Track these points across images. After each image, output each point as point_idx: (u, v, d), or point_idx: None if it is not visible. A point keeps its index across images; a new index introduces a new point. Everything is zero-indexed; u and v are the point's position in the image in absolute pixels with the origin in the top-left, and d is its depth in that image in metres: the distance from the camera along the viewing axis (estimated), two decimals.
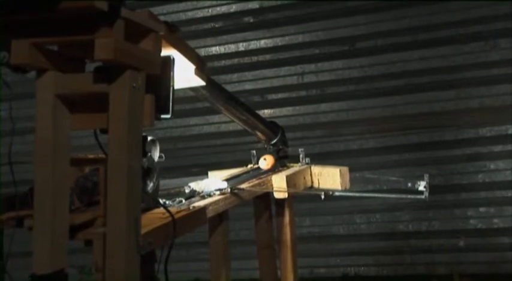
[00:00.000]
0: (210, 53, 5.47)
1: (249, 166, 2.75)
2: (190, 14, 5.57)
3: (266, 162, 2.63)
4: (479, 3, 4.81)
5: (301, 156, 2.80)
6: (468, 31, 4.88)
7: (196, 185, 2.12)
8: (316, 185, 2.71)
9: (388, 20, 5.07)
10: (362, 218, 5.12)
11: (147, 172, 1.80)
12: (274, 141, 2.81)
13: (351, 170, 2.76)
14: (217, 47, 5.52)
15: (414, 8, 4.99)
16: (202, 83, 2.00)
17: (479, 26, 4.85)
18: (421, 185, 2.51)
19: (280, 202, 2.57)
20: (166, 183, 2.09)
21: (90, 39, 1.37)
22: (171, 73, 1.64)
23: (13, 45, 1.42)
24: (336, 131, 5.21)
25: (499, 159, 4.83)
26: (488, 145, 4.86)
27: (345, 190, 2.69)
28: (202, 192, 2.11)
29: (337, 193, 2.60)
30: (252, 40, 5.43)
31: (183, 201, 1.98)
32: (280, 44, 5.37)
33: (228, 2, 5.46)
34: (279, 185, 2.44)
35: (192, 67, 1.90)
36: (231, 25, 5.49)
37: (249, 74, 5.46)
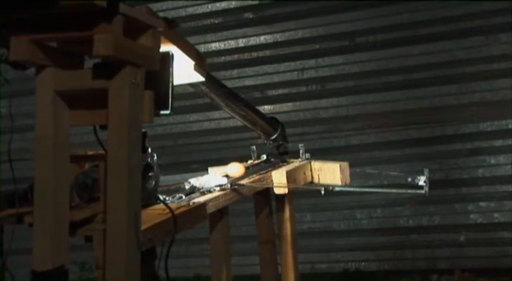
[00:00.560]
0: (210, 49, 5.47)
1: (249, 161, 2.75)
2: (190, 10, 5.56)
3: (234, 171, 2.39)
4: None
5: (301, 151, 2.80)
6: (469, 25, 4.87)
7: (197, 181, 2.12)
8: (316, 180, 2.70)
9: (388, 15, 5.06)
10: (363, 214, 5.12)
11: (147, 168, 1.80)
12: (274, 137, 2.81)
13: (351, 166, 2.76)
14: (217, 43, 5.52)
15: (414, 3, 4.98)
16: (201, 79, 2.00)
17: (480, 20, 4.84)
18: (421, 180, 2.51)
19: (281, 198, 2.57)
20: (166, 179, 2.09)
21: (89, 36, 1.37)
22: (171, 69, 1.64)
23: (12, 42, 1.41)
24: (336, 127, 5.21)
25: (500, 153, 4.83)
26: (489, 140, 4.85)
27: (345, 185, 2.69)
28: (202, 188, 2.11)
29: (337, 188, 2.60)
30: (251, 36, 5.42)
31: (183, 197, 1.98)
32: (280, 39, 5.36)
33: None
34: (279, 180, 2.44)
35: (191, 63, 1.90)
36: (230, 21, 5.48)
37: (249, 70, 5.45)
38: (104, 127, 1.51)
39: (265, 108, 5.18)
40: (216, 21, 5.52)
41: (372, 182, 2.80)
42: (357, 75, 5.16)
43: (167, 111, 1.63)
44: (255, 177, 2.42)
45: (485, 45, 4.86)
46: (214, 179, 2.16)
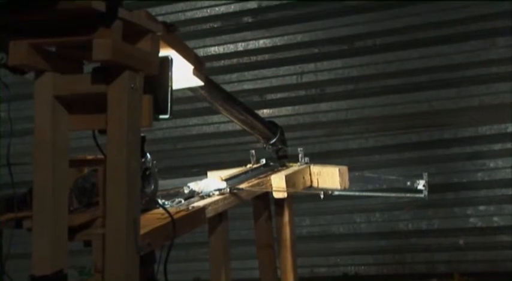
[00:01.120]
0: (209, 53, 5.47)
1: (248, 165, 2.75)
2: (189, 14, 5.56)
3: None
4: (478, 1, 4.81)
5: (300, 155, 2.80)
6: (468, 29, 4.87)
7: (196, 185, 2.12)
8: (315, 184, 2.71)
9: (387, 19, 5.06)
10: (362, 217, 5.12)
11: (146, 172, 1.80)
12: (273, 141, 2.81)
13: (350, 170, 2.76)
14: (216, 47, 5.52)
15: (413, 7, 4.98)
16: (200, 83, 2.00)
17: (478, 24, 4.85)
18: (420, 184, 2.51)
19: (280, 202, 2.57)
20: (165, 183, 2.09)
21: (88, 40, 1.37)
22: (170, 73, 1.65)
23: (11, 46, 1.42)
24: (335, 131, 5.21)
25: (499, 157, 4.83)
26: (488, 143, 4.85)
27: (344, 189, 2.69)
28: (201, 192, 2.11)
29: (336, 192, 2.60)
30: (250, 40, 5.42)
31: (182, 201, 1.98)
32: (279, 43, 5.37)
33: (227, 2, 5.46)
34: (278, 185, 2.44)
35: (190, 67, 1.90)
36: (229, 25, 5.48)
37: (248, 74, 5.45)
38: (103, 132, 1.51)
39: (264, 112, 5.18)
40: (215, 26, 5.53)
41: (371, 186, 2.79)
42: (356, 79, 5.16)
43: (166, 116, 1.63)
44: (254, 181, 2.42)
45: (484, 49, 4.86)
46: (213, 184, 2.16)
